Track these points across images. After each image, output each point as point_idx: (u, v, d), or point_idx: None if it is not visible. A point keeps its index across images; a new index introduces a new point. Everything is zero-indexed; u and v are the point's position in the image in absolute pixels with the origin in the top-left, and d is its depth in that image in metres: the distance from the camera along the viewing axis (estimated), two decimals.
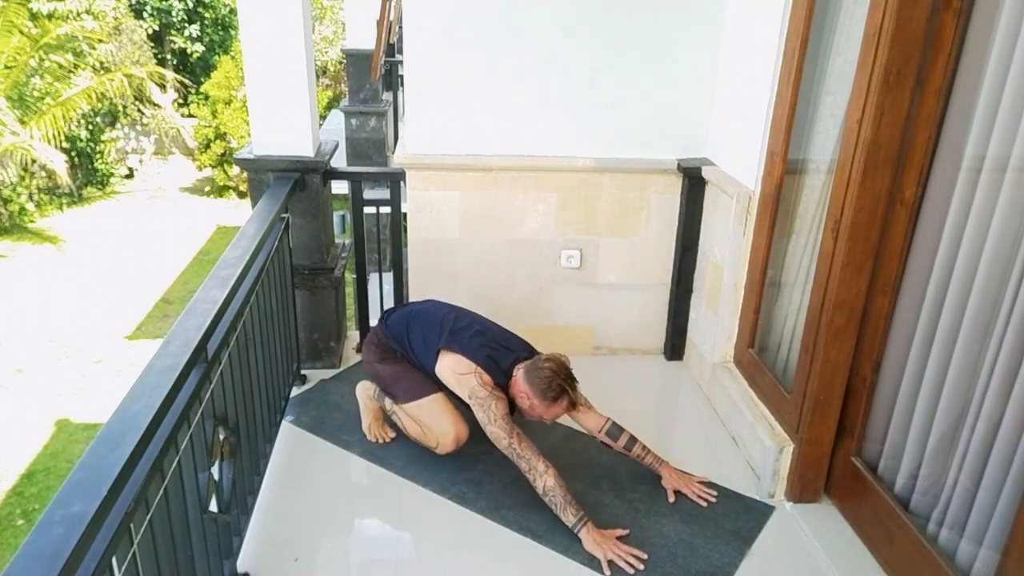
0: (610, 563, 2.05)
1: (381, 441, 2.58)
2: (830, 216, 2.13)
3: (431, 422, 2.42)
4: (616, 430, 2.36)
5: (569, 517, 2.11)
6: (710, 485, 2.40)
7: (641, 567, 2.05)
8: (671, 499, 2.33)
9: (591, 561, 2.08)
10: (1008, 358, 1.67)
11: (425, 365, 2.42)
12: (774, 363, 2.59)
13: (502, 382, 2.29)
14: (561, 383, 2.19)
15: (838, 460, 2.29)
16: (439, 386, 2.41)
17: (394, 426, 2.61)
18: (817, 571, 2.11)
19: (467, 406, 2.31)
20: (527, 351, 2.40)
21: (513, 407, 2.30)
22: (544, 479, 2.13)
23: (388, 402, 2.55)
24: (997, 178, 1.70)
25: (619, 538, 2.14)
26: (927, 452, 1.96)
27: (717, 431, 2.76)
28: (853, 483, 2.22)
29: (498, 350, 2.34)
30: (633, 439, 2.37)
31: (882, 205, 2.01)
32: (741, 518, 2.28)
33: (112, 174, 14.28)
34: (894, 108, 1.91)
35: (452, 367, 2.31)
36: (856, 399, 2.20)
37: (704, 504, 2.32)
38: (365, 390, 2.64)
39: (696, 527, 2.23)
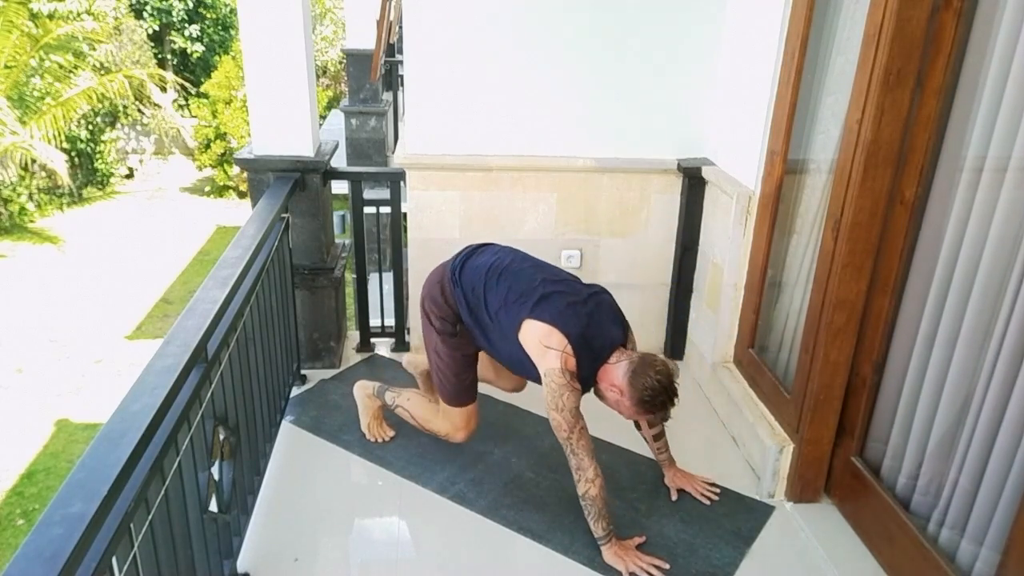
0: (632, 575, 2.04)
1: (381, 440, 2.58)
2: (830, 216, 2.13)
3: (453, 419, 2.37)
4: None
5: (599, 530, 2.08)
6: (713, 484, 2.40)
7: None
8: (673, 497, 2.33)
9: (591, 561, 2.08)
10: (1009, 358, 1.67)
11: (498, 326, 2.17)
12: (774, 363, 2.59)
13: (587, 368, 2.07)
14: (665, 400, 1.99)
15: (838, 460, 2.29)
16: (473, 385, 2.33)
17: (393, 423, 2.61)
18: (817, 571, 2.11)
19: (530, 371, 2.15)
20: (622, 330, 2.15)
21: (586, 385, 2.11)
22: (590, 486, 2.05)
23: (390, 396, 2.54)
24: (998, 178, 1.70)
25: (638, 547, 2.12)
26: (928, 452, 1.96)
27: (717, 431, 2.76)
28: (853, 483, 2.22)
29: (592, 327, 2.08)
30: (663, 433, 2.34)
31: (882, 205, 2.01)
32: (741, 518, 2.28)
33: (112, 174, 14.28)
34: (894, 108, 1.91)
35: (540, 338, 2.06)
36: (856, 399, 2.20)
37: (707, 502, 2.32)
38: (363, 389, 2.63)
39: (696, 527, 2.23)
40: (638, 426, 2.34)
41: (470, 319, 2.23)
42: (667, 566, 2.07)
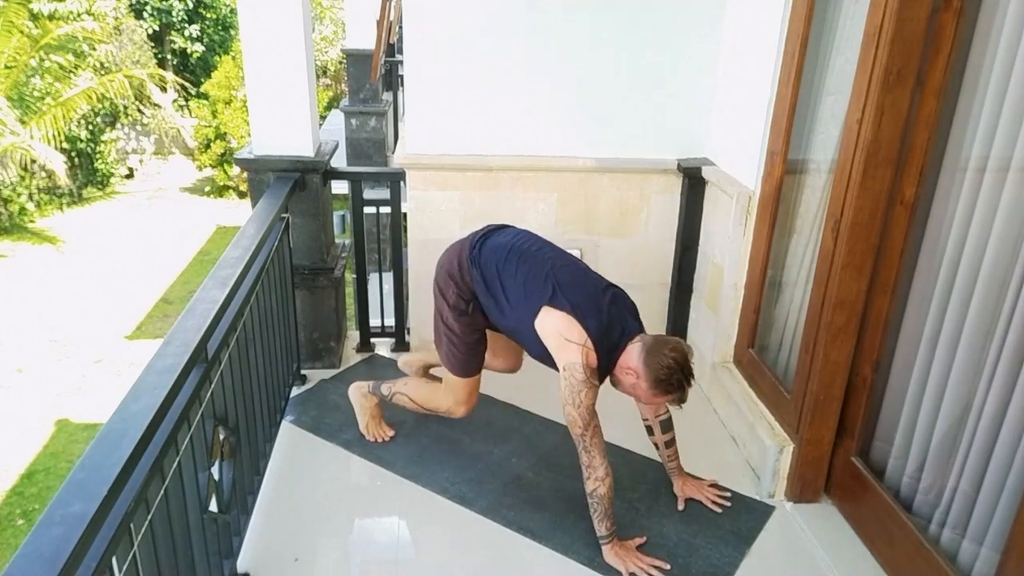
0: (632, 575, 2.04)
1: (380, 440, 2.58)
2: (830, 216, 2.13)
3: (456, 393, 2.34)
4: (668, 424, 2.29)
5: (603, 529, 2.07)
6: (720, 488, 2.39)
7: None
8: (680, 507, 2.31)
9: (591, 561, 2.08)
10: (1011, 358, 1.67)
11: (514, 311, 2.13)
12: (774, 363, 2.59)
13: (604, 361, 2.03)
14: (680, 378, 1.97)
15: (838, 460, 2.29)
16: (482, 356, 2.31)
17: (392, 423, 2.61)
18: (817, 571, 2.11)
19: (542, 356, 2.13)
20: (637, 319, 2.14)
21: (603, 375, 2.07)
22: (599, 484, 2.03)
23: (386, 387, 2.52)
24: (999, 178, 1.70)
25: (639, 548, 2.12)
26: (929, 452, 1.96)
27: (717, 431, 2.76)
28: (853, 483, 2.22)
29: (610, 319, 2.06)
30: (673, 440, 2.32)
31: (882, 205, 2.01)
32: (741, 518, 2.28)
33: (112, 174, 14.29)
34: (894, 108, 1.91)
35: (559, 329, 2.02)
36: (856, 399, 2.20)
37: (719, 510, 2.30)
38: (358, 389, 2.61)
39: (696, 527, 2.23)
40: (650, 431, 2.32)
41: (486, 299, 2.19)
42: (667, 567, 2.06)
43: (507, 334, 2.27)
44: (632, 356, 2.01)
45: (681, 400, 2.03)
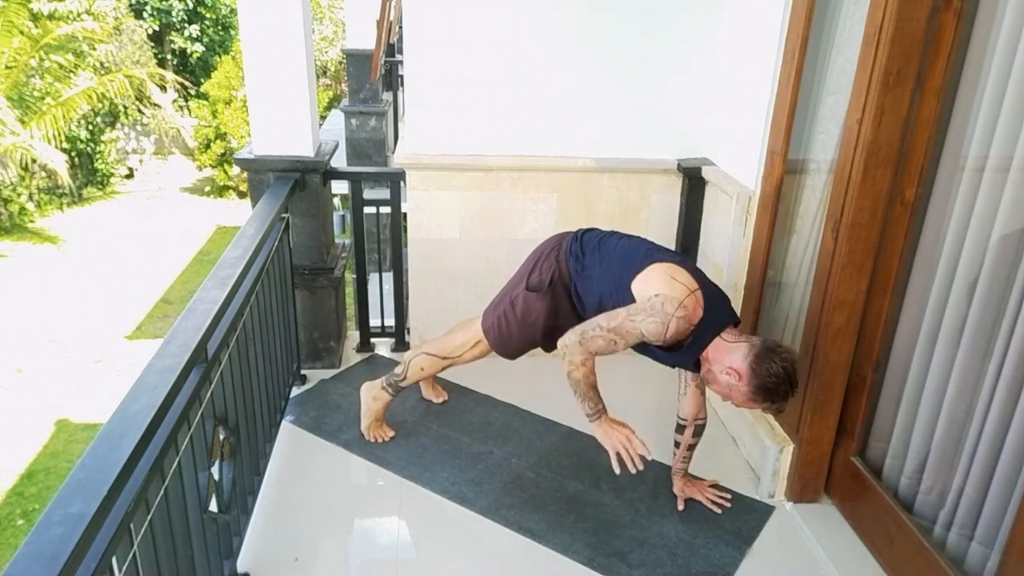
0: (618, 456, 1.97)
1: (380, 441, 2.58)
2: (830, 216, 2.13)
3: (476, 350, 2.37)
4: (703, 429, 2.27)
5: (587, 409, 2.00)
6: (720, 488, 2.39)
7: (642, 467, 1.95)
8: (680, 507, 2.30)
9: (591, 561, 2.08)
10: (1014, 359, 1.67)
11: (614, 277, 2.06)
12: None
13: (706, 330, 1.92)
14: (787, 389, 1.84)
15: (838, 460, 2.29)
16: (524, 345, 2.31)
17: (392, 423, 2.61)
18: (817, 571, 2.11)
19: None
20: (734, 313, 2.04)
21: (688, 354, 1.97)
22: (573, 369, 1.95)
23: (400, 369, 2.49)
24: (999, 178, 1.70)
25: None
26: (930, 452, 1.96)
27: (717, 431, 2.75)
28: (853, 483, 2.22)
29: (716, 297, 1.98)
30: (696, 446, 2.30)
31: (882, 205, 2.01)
32: (741, 518, 2.28)
33: (112, 174, 14.29)
34: (894, 108, 1.91)
35: (670, 273, 1.93)
36: (856, 399, 2.20)
37: (719, 511, 2.30)
38: (370, 390, 2.59)
39: (696, 527, 2.23)
40: (680, 430, 2.27)
41: (581, 273, 2.16)
42: (650, 457, 1.96)
43: (592, 306, 2.16)
44: (736, 356, 1.88)
45: (779, 411, 1.94)
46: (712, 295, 1.95)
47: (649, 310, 1.87)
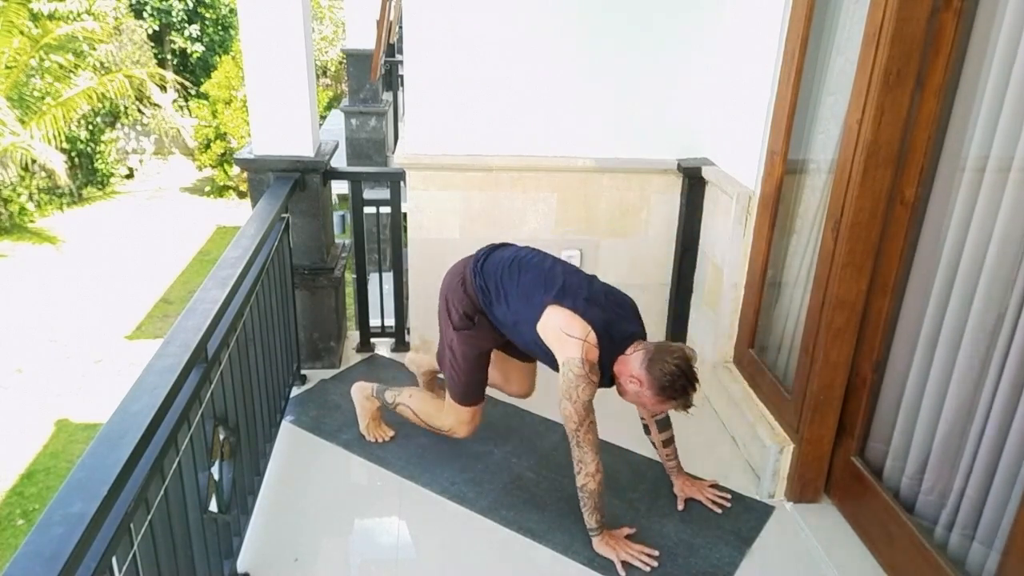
0: (624, 564, 2.04)
1: (380, 441, 2.58)
2: (830, 216, 2.13)
3: (457, 415, 2.36)
4: (666, 423, 2.30)
5: (592, 522, 2.09)
6: (721, 489, 2.39)
7: (655, 564, 2.05)
8: (680, 507, 2.31)
9: (591, 561, 2.08)
10: (1016, 359, 1.67)
11: (518, 318, 2.15)
12: (774, 363, 2.59)
13: (607, 359, 2.05)
14: (685, 384, 1.97)
15: (838, 460, 2.29)
16: (482, 383, 2.33)
17: (392, 423, 2.61)
18: (817, 571, 2.11)
19: (545, 357, 2.15)
20: (640, 324, 2.16)
21: (604, 379, 2.08)
22: (589, 480, 2.05)
23: (390, 395, 2.53)
24: (999, 178, 1.70)
25: (628, 536, 2.14)
26: (930, 452, 1.95)
27: (717, 431, 2.75)
28: (853, 483, 2.22)
29: (614, 318, 2.08)
30: (672, 439, 2.33)
31: (882, 205, 2.01)
32: (741, 518, 2.28)
33: (112, 174, 14.28)
34: (894, 108, 1.91)
35: (561, 325, 2.04)
36: (856, 399, 2.20)
37: (719, 510, 2.30)
38: (362, 391, 2.62)
39: (696, 527, 2.23)
40: (647, 430, 2.33)
41: (490, 308, 2.23)
42: (656, 553, 2.08)
43: (519, 344, 2.27)
44: (635, 363, 2.02)
45: (686, 406, 2.03)
46: (605, 328, 2.04)
47: (571, 383, 2.00)
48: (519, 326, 2.17)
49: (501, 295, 2.19)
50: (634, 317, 2.17)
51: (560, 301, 2.07)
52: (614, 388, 2.12)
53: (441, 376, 2.60)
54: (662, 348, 2.01)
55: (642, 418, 2.32)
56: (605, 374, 2.07)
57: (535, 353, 2.23)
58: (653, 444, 2.36)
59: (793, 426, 2.34)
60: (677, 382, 1.96)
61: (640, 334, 2.12)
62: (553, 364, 2.11)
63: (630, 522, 2.22)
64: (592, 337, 2.01)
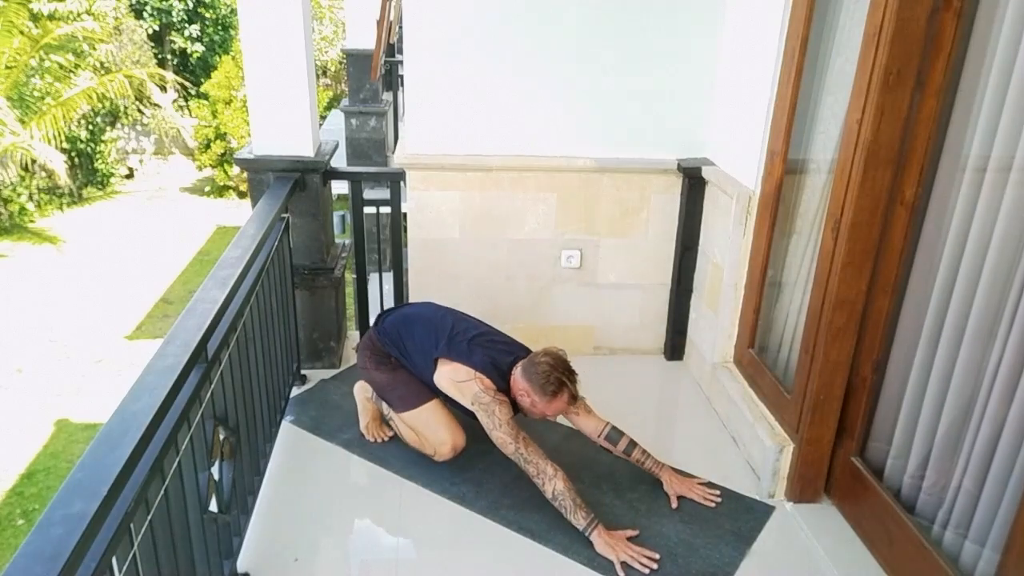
0: (624, 564, 2.04)
1: (379, 440, 2.58)
2: (830, 216, 2.13)
3: (427, 431, 2.40)
4: (616, 434, 2.34)
5: (580, 521, 2.09)
6: (711, 486, 2.39)
7: (655, 567, 2.05)
8: (674, 504, 2.31)
9: (591, 561, 2.08)
10: (1013, 358, 1.67)
11: (423, 373, 2.36)
12: (774, 363, 2.59)
13: (503, 386, 2.25)
14: (560, 376, 2.13)
15: (838, 460, 2.29)
16: (436, 393, 2.38)
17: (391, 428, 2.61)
18: (817, 571, 2.11)
19: (468, 413, 2.27)
20: (526, 352, 2.35)
21: (516, 408, 2.26)
22: (553, 483, 2.10)
23: (386, 407, 2.55)
24: (999, 177, 1.70)
25: (629, 538, 2.14)
26: (930, 452, 1.95)
27: (717, 431, 2.75)
28: (853, 483, 2.22)
29: (497, 353, 2.29)
30: (632, 444, 2.35)
31: (882, 205, 2.01)
32: (741, 518, 2.28)
33: (112, 174, 14.28)
34: (894, 108, 1.91)
35: (451, 376, 2.26)
36: (856, 399, 2.20)
37: (712, 505, 2.31)
38: (363, 391, 2.63)
39: (696, 527, 2.23)
40: (604, 448, 2.38)
41: (401, 360, 2.43)
42: (657, 556, 2.08)
43: (420, 374, 2.43)
44: (518, 378, 2.22)
45: (573, 397, 2.18)
46: (491, 363, 2.25)
47: (487, 412, 2.18)
48: (428, 376, 2.34)
49: (403, 351, 2.40)
50: (521, 348, 2.36)
51: (447, 355, 2.28)
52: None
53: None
54: (532, 355, 2.22)
55: (595, 440, 2.38)
56: (505, 394, 2.24)
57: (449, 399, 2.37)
58: (622, 457, 2.38)
59: (793, 426, 2.34)
60: (552, 375, 2.13)
61: (523, 357, 2.28)
62: (469, 413, 2.26)
63: (630, 522, 2.22)
64: (478, 374, 2.21)
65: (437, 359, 2.30)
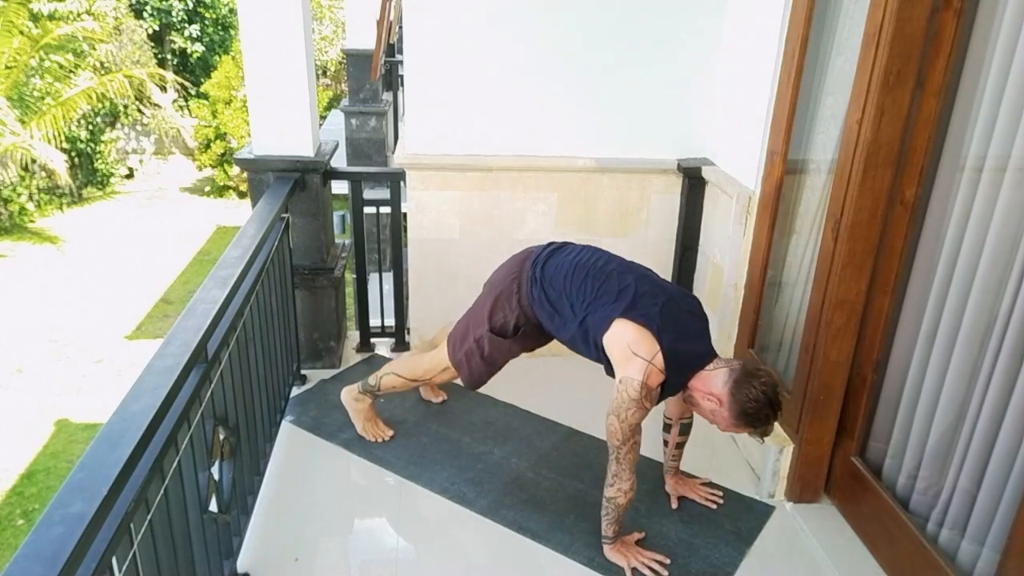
0: (634, 570, 2.04)
1: (379, 440, 2.58)
2: (830, 216, 2.13)
3: (446, 373, 2.35)
4: (689, 427, 2.28)
5: (610, 532, 2.07)
6: (712, 486, 2.39)
7: (665, 573, 2.04)
8: (674, 505, 2.31)
9: (591, 561, 2.08)
10: (1009, 358, 1.67)
11: (581, 328, 2.04)
12: (774, 363, 2.59)
13: (674, 378, 1.94)
14: (769, 413, 1.84)
15: (838, 460, 2.29)
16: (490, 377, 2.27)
17: (390, 422, 2.60)
18: (817, 571, 2.11)
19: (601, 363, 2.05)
20: (708, 338, 2.04)
21: (670, 392, 2.00)
22: (621, 495, 1.99)
23: (373, 379, 2.50)
24: (998, 178, 1.71)
25: (637, 542, 2.13)
26: (928, 452, 1.96)
27: (717, 431, 2.74)
28: (853, 483, 2.22)
29: (684, 338, 1.95)
30: (685, 444, 2.31)
31: (882, 205, 2.01)
32: (741, 518, 2.28)
33: (112, 174, 14.29)
34: (894, 108, 1.91)
35: (628, 341, 1.91)
36: (856, 399, 2.20)
37: (714, 507, 2.31)
38: (349, 393, 2.61)
39: (696, 527, 2.23)
40: (667, 428, 2.29)
41: (547, 322, 2.14)
42: (668, 561, 2.07)
43: (572, 349, 2.18)
44: (716, 383, 1.89)
45: (764, 435, 1.92)
46: (675, 351, 1.91)
47: (623, 403, 1.89)
48: (576, 341, 2.08)
49: (565, 307, 2.08)
50: (704, 329, 2.05)
51: (631, 315, 1.93)
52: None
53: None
54: (749, 370, 1.87)
55: (668, 417, 2.28)
56: (675, 389, 1.98)
57: (587, 355, 2.11)
58: (665, 442, 2.33)
59: (793, 426, 2.34)
60: (762, 411, 1.83)
61: (711, 353, 1.99)
62: (608, 367, 2.02)
63: (630, 522, 2.22)
64: (659, 360, 1.88)
65: (616, 318, 1.95)
